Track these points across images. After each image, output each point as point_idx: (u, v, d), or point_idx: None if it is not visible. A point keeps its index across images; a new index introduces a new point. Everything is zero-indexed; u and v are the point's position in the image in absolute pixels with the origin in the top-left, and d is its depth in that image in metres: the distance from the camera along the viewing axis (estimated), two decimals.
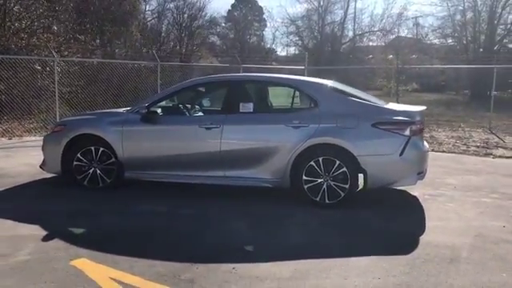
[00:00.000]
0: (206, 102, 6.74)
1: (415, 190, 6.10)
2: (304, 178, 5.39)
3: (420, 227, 4.79)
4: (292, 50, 41.64)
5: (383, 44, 39.75)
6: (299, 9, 59.15)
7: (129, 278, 3.56)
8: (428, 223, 4.91)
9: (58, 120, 12.05)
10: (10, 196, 5.94)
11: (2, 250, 4.04)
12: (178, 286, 3.44)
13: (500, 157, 9.52)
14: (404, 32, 39.39)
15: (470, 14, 31.36)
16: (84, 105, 14.16)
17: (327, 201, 5.35)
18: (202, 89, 6.45)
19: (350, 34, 40.36)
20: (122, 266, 3.75)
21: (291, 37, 40.40)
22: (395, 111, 5.48)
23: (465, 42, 31.82)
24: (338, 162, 5.28)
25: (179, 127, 5.87)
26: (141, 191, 6.07)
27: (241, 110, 5.71)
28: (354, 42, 39.97)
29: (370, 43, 40.58)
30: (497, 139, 12.02)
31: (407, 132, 5.24)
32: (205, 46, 35.75)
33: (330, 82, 5.82)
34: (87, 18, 18.04)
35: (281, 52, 42.44)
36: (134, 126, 5.88)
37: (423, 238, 4.43)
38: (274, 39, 47.29)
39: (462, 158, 9.40)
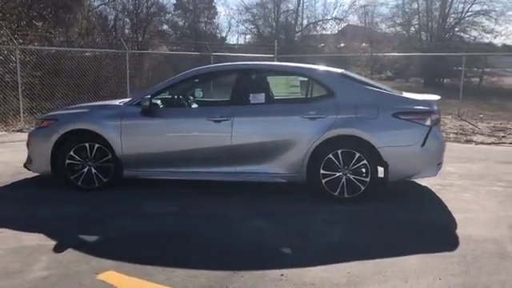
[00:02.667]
0: (210, 94, 6.32)
1: (423, 180, 5.96)
2: (322, 171, 5.13)
3: (449, 220, 4.66)
4: (248, 38, 41.05)
5: (337, 32, 40.19)
6: None
7: None
8: (455, 215, 4.77)
9: (21, 114, 11.24)
10: None
11: (12, 266, 3.55)
12: None
13: (482, 143, 9.66)
14: (355, 21, 39.82)
15: (421, 1, 31.99)
16: (43, 97, 13.27)
17: (346, 195, 5.12)
18: (207, 79, 6.01)
19: (305, 22, 40.44)
20: (158, 278, 3.36)
21: (247, 25, 40.02)
22: (414, 100, 5.30)
23: (417, 30, 32.54)
24: (358, 155, 5.05)
25: (185, 120, 5.45)
26: (141, 190, 5.58)
27: (251, 102, 5.35)
28: (309, 30, 40.11)
29: (323, 32, 40.92)
30: (471, 126, 12.23)
31: (428, 122, 5.08)
32: (158, 34, 34.66)
33: (341, 71, 5.56)
34: (42, 3, 16.89)
35: (237, 40, 41.73)
36: (135, 119, 5.41)
37: (460, 232, 4.28)
38: (229, 27, 46.41)
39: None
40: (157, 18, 35.27)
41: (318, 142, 5.09)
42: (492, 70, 29.72)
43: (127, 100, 5.75)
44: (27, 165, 5.82)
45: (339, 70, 5.55)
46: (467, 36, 31.09)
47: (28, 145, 5.79)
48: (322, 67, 5.64)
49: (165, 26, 39.73)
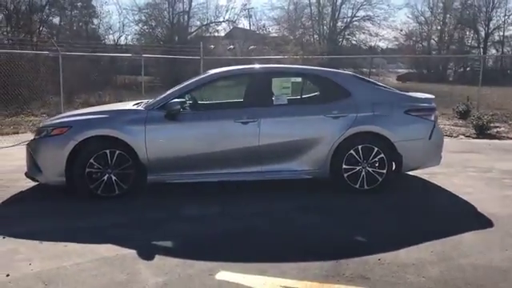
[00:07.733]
0: (231, 96, 6.36)
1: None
2: (344, 166, 5.53)
3: (463, 202, 5.34)
4: (141, 39, 39.77)
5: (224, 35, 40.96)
6: None
7: (301, 284, 3.35)
8: (464, 197, 5.47)
9: None
10: (17, 216, 4.94)
11: (118, 276, 3.44)
12: (356, 283, 3.37)
13: None
14: (245, 24, 40.94)
15: (314, 9, 34.12)
16: None
17: (366, 187, 5.58)
18: (227, 82, 6.08)
19: (198, 23, 40.62)
20: (273, 273, 3.50)
21: (140, 25, 39.02)
22: (419, 98, 5.94)
23: (311, 33, 34.59)
24: (376, 149, 5.53)
25: (212, 123, 5.48)
26: (157, 196, 5.54)
27: (275, 103, 5.59)
28: (203, 32, 40.34)
29: (216, 34, 41.48)
30: None
31: (433, 117, 5.74)
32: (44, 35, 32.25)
33: (351, 72, 6.02)
34: None
35: (130, 41, 40.10)
36: (160, 123, 5.34)
37: (482, 210, 4.96)
38: (123, 28, 44.47)
39: None
40: (39, 16, 32.72)
41: (341, 138, 5.49)
42: (378, 70, 32.59)
43: (144, 103, 5.65)
44: (34, 175, 5.44)
45: (349, 72, 5.99)
46: (355, 39, 33.90)
47: (34, 154, 5.40)
48: (335, 70, 6.04)
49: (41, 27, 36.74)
